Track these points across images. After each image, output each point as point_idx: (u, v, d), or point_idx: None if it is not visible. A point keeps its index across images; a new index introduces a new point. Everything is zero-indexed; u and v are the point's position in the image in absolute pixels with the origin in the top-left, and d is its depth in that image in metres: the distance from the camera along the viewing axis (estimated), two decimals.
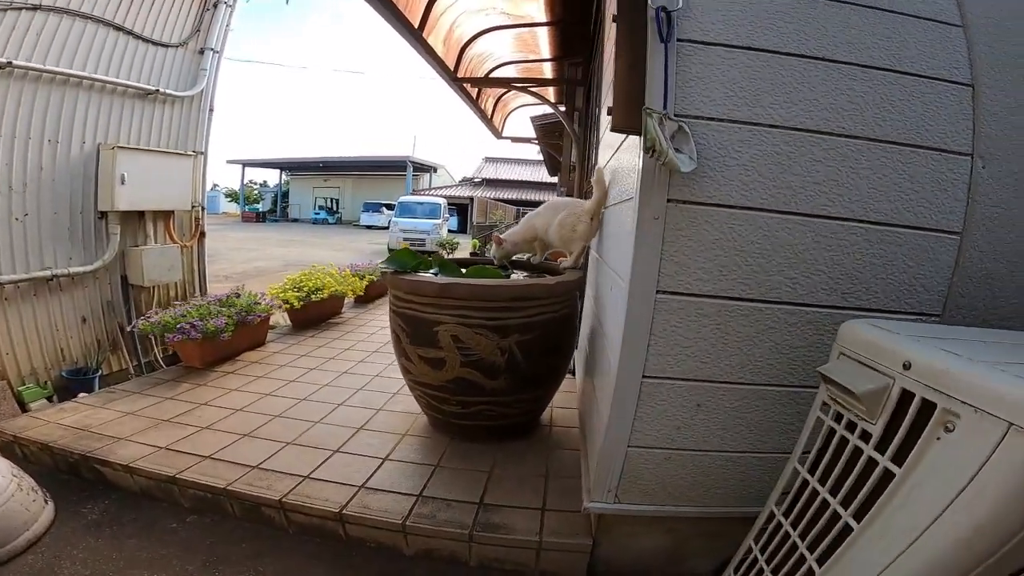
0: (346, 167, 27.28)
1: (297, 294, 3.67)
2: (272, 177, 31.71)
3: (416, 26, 3.54)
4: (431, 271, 1.97)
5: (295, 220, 27.78)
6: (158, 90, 3.13)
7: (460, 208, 21.47)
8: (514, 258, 2.39)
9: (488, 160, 28.25)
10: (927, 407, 0.68)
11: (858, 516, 0.73)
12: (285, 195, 29.72)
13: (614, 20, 1.12)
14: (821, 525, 0.80)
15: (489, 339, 1.69)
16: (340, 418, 2.18)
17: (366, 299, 4.92)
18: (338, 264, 4.80)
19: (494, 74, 5.44)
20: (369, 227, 23.13)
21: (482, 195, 15.42)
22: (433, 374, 1.78)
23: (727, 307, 1.17)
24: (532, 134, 10.09)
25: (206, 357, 2.77)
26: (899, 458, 0.70)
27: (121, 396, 2.37)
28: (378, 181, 27.18)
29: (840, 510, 0.76)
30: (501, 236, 2.29)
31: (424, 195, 20.62)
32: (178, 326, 2.62)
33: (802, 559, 0.82)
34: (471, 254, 10.67)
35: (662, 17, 1.04)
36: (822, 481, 0.83)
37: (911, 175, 1.13)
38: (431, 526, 1.43)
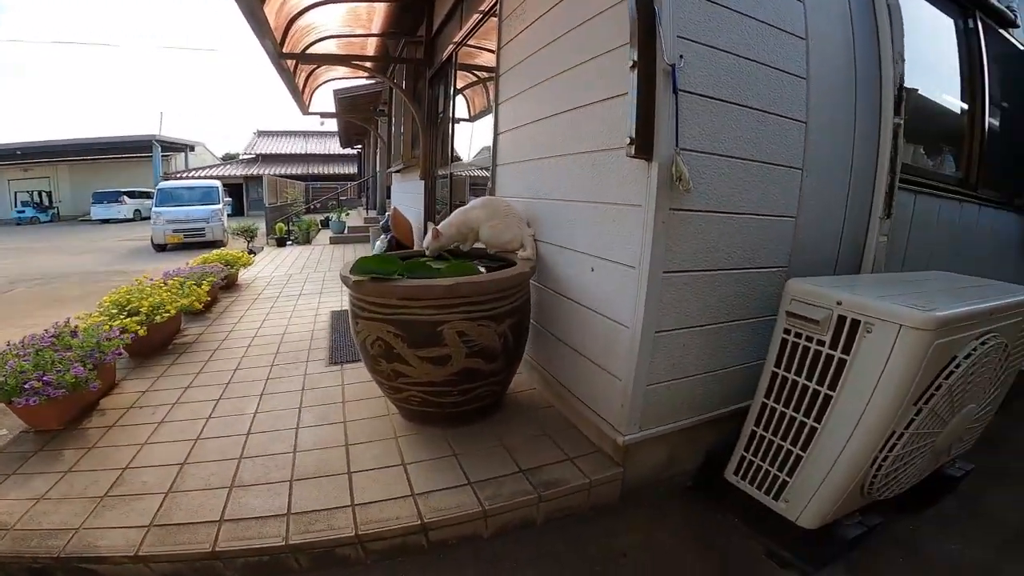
0: (61, 152, 20.72)
1: (135, 319, 2.98)
2: None
3: None
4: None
5: None
6: None
7: (233, 189, 18.51)
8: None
9: (262, 134, 24.74)
10: (854, 323, 1.32)
11: (831, 388, 1.35)
12: None
13: (633, 67, 1.47)
14: (807, 401, 1.41)
15: (489, 328, 1.92)
16: (314, 441, 2.07)
17: (200, 311, 4.21)
18: (85, 269, 3.94)
19: (315, 47, 5.03)
20: (106, 221, 18.30)
21: (267, 172, 13.56)
22: (437, 371, 1.91)
23: (697, 277, 1.71)
24: (332, 109, 9.45)
25: (65, 415, 2.18)
26: (844, 351, 1.33)
27: None
28: (110, 166, 21.60)
29: (819, 388, 1.38)
30: (439, 228, 2.43)
31: (190, 178, 17.26)
32: (25, 385, 1.97)
33: (803, 424, 1.42)
34: (277, 239, 9.57)
35: (677, 71, 1.45)
36: (797, 375, 1.44)
37: (777, 183, 1.83)
38: (506, 502, 1.64)
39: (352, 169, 21.71)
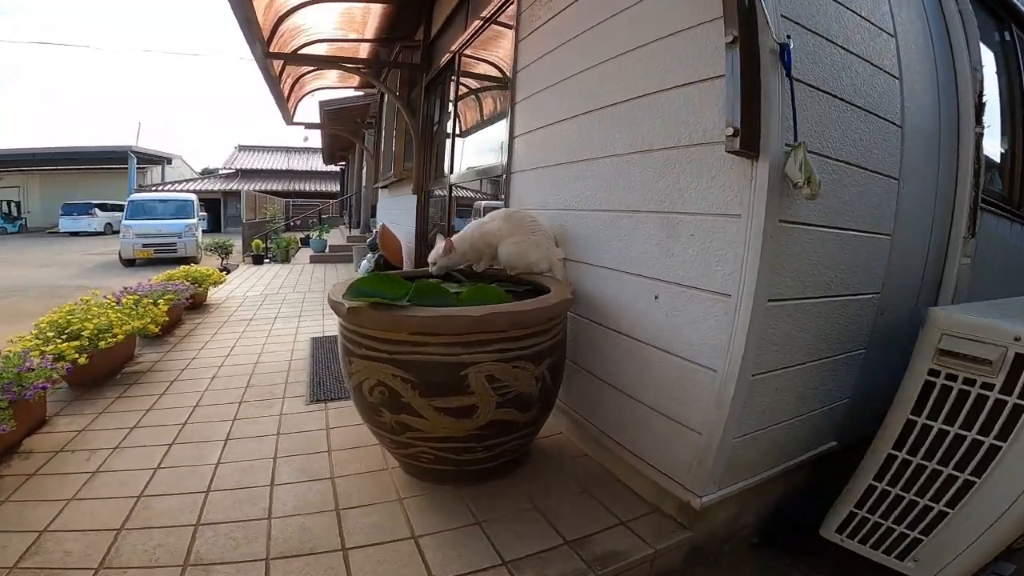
0: (32, 161, 19.82)
1: (74, 344, 2.42)
2: None
3: None
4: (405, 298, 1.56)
5: None
6: None
7: (211, 204, 17.79)
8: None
9: (243, 148, 24.01)
10: None
11: (1000, 439, 1.03)
12: None
13: (732, 44, 1.11)
14: (962, 453, 1.10)
15: (526, 370, 1.48)
16: (295, 503, 1.57)
17: (157, 334, 3.61)
18: (47, 283, 3.38)
19: (304, 51, 4.61)
20: (75, 234, 17.44)
21: (246, 188, 12.97)
22: (458, 425, 1.46)
23: (801, 306, 1.33)
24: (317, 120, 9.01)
25: None
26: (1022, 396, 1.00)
27: None
28: (83, 177, 20.70)
29: (981, 438, 1.07)
30: (453, 241, 2.00)
31: (165, 191, 16.66)
32: None
33: (952, 478, 1.12)
34: (254, 257, 8.92)
35: (789, 51, 1.09)
36: (947, 424, 1.11)
37: (879, 194, 1.49)
38: None
39: (334, 187, 21.03)
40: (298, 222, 14.20)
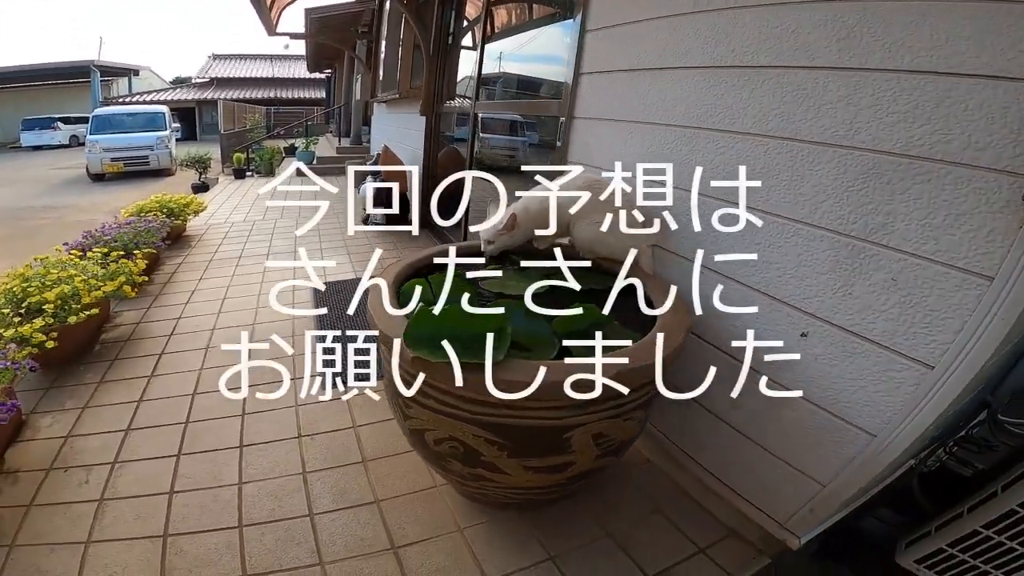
0: None
1: (39, 323, 1.92)
2: None
3: None
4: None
5: None
6: None
7: (185, 113, 16.83)
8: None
9: (217, 57, 21.64)
10: None
11: None
12: None
13: None
14: None
15: (635, 420, 1.12)
16: (346, 542, 1.30)
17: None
18: (9, 204, 2.85)
19: None
20: (37, 148, 16.19)
21: (222, 97, 11.56)
22: (546, 479, 1.11)
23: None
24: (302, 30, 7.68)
25: None
26: None
27: None
28: (44, 93, 18.57)
29: None
30: (516, 214, 1.50)
31: (133, 103, 15.43)
32: None
33: None
34: (235, 171, 8.05)
35: None
36: None
37: None
38: None
39: (319, 94, 19.00)
40: (282, 131, 12.87)
